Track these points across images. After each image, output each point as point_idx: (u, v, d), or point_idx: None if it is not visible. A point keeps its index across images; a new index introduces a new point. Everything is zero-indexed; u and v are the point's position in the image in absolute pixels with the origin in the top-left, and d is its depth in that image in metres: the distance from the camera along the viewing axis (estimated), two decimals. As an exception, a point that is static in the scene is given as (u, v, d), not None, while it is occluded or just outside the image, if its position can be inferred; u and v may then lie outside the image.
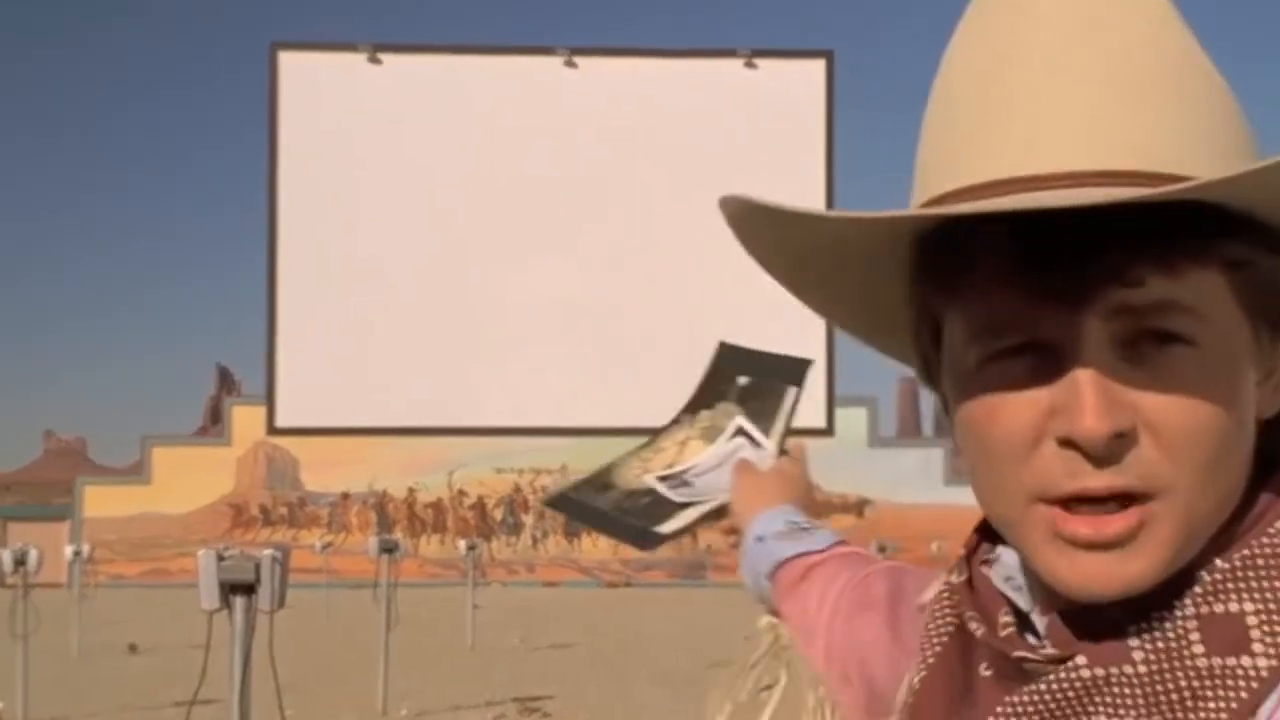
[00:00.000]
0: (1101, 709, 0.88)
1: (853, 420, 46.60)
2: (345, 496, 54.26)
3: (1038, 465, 0.88)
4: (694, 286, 4.39)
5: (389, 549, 16.64)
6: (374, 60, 4.48)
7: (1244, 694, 0.85)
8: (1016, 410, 0.88)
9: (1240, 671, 0.86)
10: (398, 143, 4.61)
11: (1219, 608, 0.88)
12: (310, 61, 4.70)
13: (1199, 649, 0.87)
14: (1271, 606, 0.87)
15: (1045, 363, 0.88)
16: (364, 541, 20.81)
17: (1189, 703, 0.86)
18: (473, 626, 23.24)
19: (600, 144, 4.46)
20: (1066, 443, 0.86)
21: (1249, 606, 0.87)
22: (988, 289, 0.89)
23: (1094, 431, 0.84)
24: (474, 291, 5.18)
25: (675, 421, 2.19)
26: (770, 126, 5.40)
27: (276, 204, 4.53)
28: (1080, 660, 0.89)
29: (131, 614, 32.76)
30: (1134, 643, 0.89)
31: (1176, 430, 0.85)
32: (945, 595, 1.06)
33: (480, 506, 55.36)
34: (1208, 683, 0.86)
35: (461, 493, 55.32)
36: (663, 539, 1.99)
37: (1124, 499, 0.86)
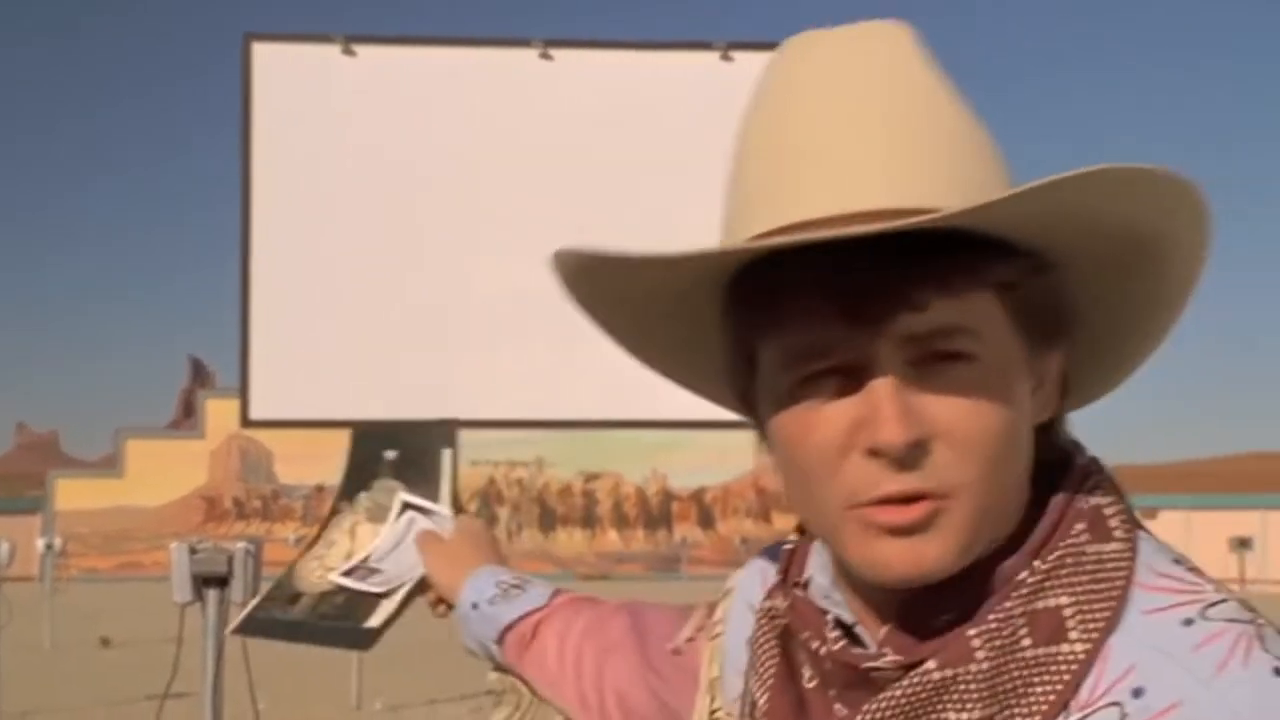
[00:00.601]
0: (950, 706, 0.99)
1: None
2: (319, 489, 54.13)
3: (847, 474, 0.99)
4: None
5: (363, 542, 16.60)
6: (348, 52, 4.46)
7: (1066, 676, 0.98)
8: (826, 426, 1.00)
9: (1061, 657, 0.98)
10: (372, 135, 4.60)
11: (1040, 604, 1.00)
12: (284, 53, 4.68)
13: (1027, 642, 0.99)
14: (1082, 598, 1.00)
15: (849, 384, 0.99)
16: (338, 535, 20.78)
17: (1021, 689, 0.98)
18: (448, 620, 23.19)
19: (575, 136, 4.45)
20: (871, 452, 0.98)
21: (1065, 600, 1.00)
22: (795, 320, 1.00)
23: (893, 439, 0.96)
24: (449, 283, 5.17)
25: (335, 512, 2.14)
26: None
27: (250, 196, 4.51)
28: (930, 664, 0.99)
29: (104, 607, 32.63)
30: (976, 643, 0.99)
31: (963, 436, 0.98)
32: (765, 620, 1.17)
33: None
34: (1036, 670, 0.98)
35: (436, 486, 55.28)
36: (377, 634, 1.93)
37: (923, 498, 0.98)
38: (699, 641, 1.40)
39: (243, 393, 4.83)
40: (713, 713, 1.33)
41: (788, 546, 1.22)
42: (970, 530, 0.99)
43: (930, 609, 1.03)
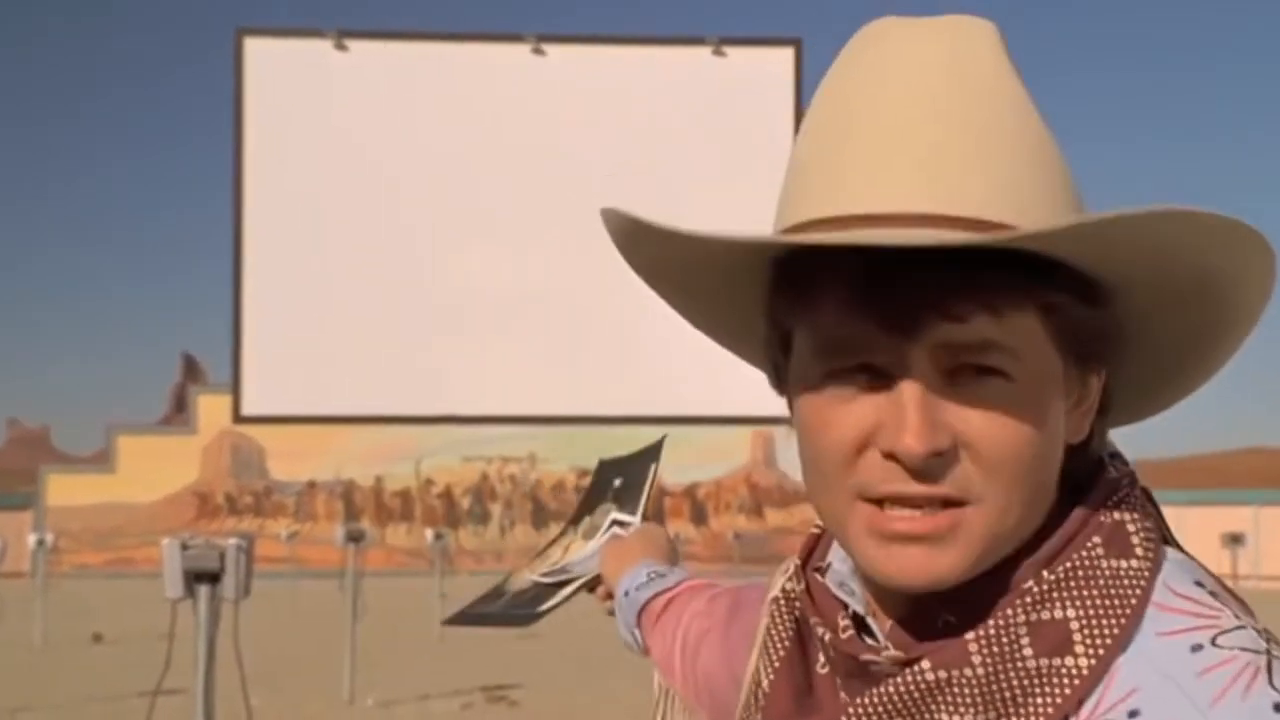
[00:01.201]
0: (943, 707, 0.98)
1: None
2: (311, 485, 54.07)
3: (861, 470, 0.99)
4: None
5: (355, 538, 16.58)
6: (340, 47, 4.45)
7: (1068, 690, 0.97)
8: (848, 422, 0.99)
9: (1064, 670, 0.97)
10: (365, 130, 4.59)
11: (1045, 615, 0.99)
12: (276, 48, 4.66)
13: (1029, 651, 0.98)
14: (1090, 613, 0.99)
15: (877, 383, 0.98)
16: (330, 531, 20.75)
17: (1020, 699, 0.97)
18: (440, 616, 23.18)
19: (568, 131, 4.44)
20: (889, 456, 0.97)
21: (1071, 613, 0.99)
22: (831, 313, 0.99)
23: (913, 449, 0.95)
24: (441, 280, 5.15)
25: (561, 533, 2.38)
26: (739, 114, 5.38)
27: (242, 191, 4.49)
28: (925, 664, 0.99)
29: (96, 604, 32.58)
30: (973, 648, 0.98)
31: (990, 450, 0.97)
32: (783, 601, 1.17)
33: (448, 495, 55.28)
34: (1036, 681, 0.97)
35: (429, 481, 55.21)
36: (539, 615, 2.15)
37: (940, 503, 0.97)
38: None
39: (235, 389, 4.82)
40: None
41: (814, 529, 1.21)
42: (985, 543, 0.99)
43: (936, 608, 1.03)
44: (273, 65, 4.77)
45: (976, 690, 0.98)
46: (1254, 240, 0.97)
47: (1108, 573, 1.01)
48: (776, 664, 1.15)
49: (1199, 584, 1.04)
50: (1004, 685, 0.98)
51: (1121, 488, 1.07)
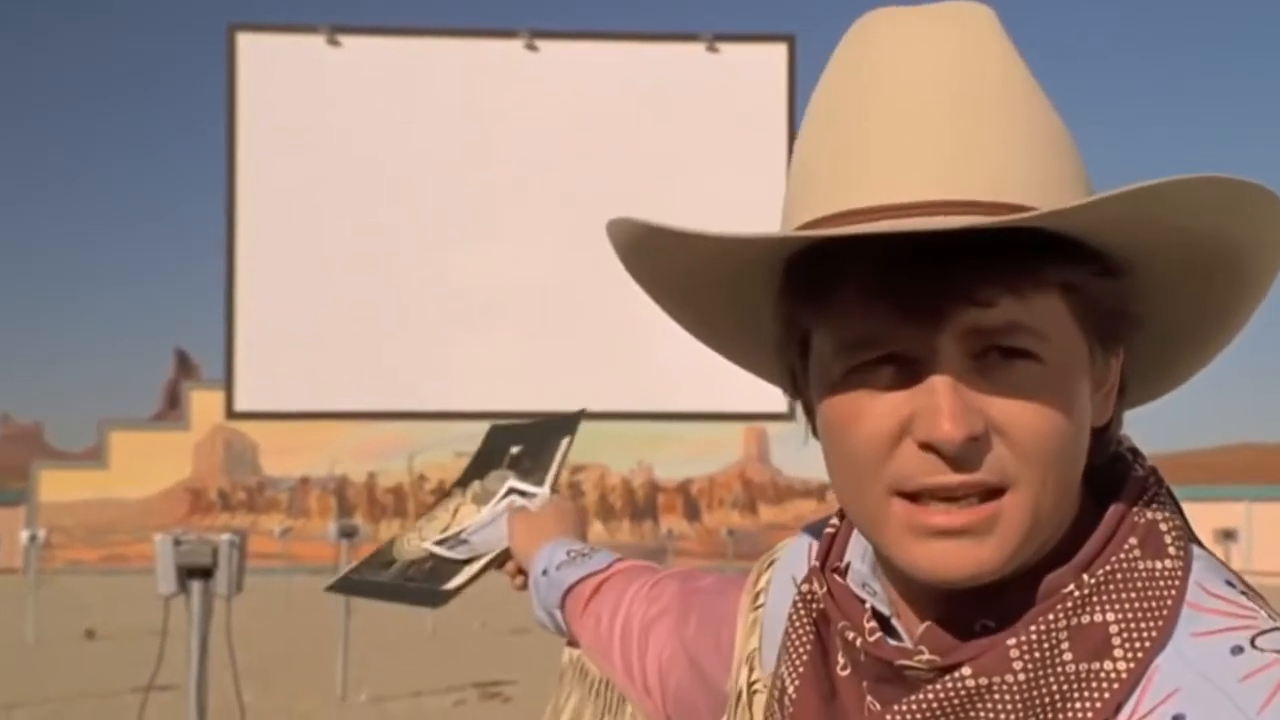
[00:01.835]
0: (983, 714, 0.97)
1: (813, 405, 46.78)
2: (305, 481, 54.03)
3: (897, 463, 0.98)
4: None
5: (349, 534, 16.56)
6: (333, 42, 4.44)
7: (1106, 694, 0.96)
8: (879, 416, 0.98)
9: (1103, 674, 0.97)
10: (357, 126, 4.59)
11: (1086, 619, 0.98)
12: (269, 43, 4.65)
13: (1068, 656, 0.97)
14: (1128, 616, 0.98)
15: (905, 374, 0.98)
16: (324, 527, 20.75)
17: (1059, 704, 0.97)
18: (433, 612, 23.10)
19: (560, 127, 4.44)
20: (926, 446, 0.96)
21: (1110, 616, 0.98)
22: (854, 307, 0.98)
23: (951, 435, 0.94)
24: (435, 276, 5.14)
25: (446, 494, 2.28)
26: (732, 110, 5.36)
27: (234, 187, 4.49)
28: (966, 671, 0.98)
29: (88, 599, 32.55)
30: (1014, 654, 0.97)
31: (1022, 433, 0.96)
32: (800, 603, 1.15)
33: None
34: (1076, 686, 0.97)
35: (422, 477, 55.17)
36: (450, 595, 2.03)
37: (978, 497, 0.97)
38: (739, 611, 1.37)
39: (228, 385, 4.81)
40: (751, 685, 1.28)
41: (829, 529, 1.20)
42: (1024, 533, 0.98)
43: (971, 611, 1.01)
44: (265, 61, 4.77)
45: (1018, 696, 0.97)
46: (1270, 202, 0.96)
47: (1144, 574, 1.01)
48: (801, 668, 1.13)
49: (1230, 584, 1.03)
50: (1044, 691, 0.97)
51: (1150, 486, 1.07)
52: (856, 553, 1.14)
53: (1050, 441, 0.97)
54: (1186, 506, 1.13)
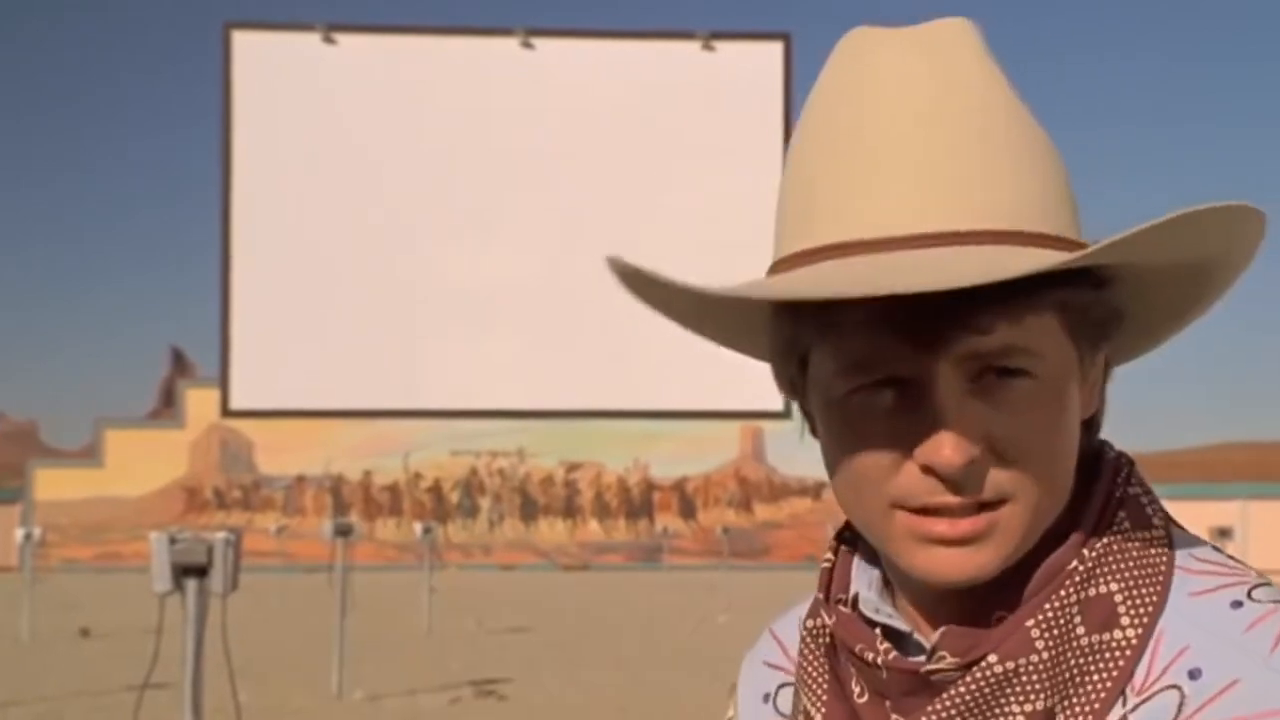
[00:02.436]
0: (1013, 699, 1.00)
1: (809, 403, 46.79)
2: (300, 480, 54.04)
3: (898, 483, 1.00)
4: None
5: (344, 532, 16.57)
6: (328, 40, 4.44)
7: (1121, 662, 1.00)
8: (881, 439, 1.01)
9: (1115, 643, 1.01)
10: (352, 124, 4.58)
11: (1092, 591, 1.02)
12: (264, 41, 4.64)
13: (1081, 630, 1.01)
14: (1130, 585, 1.03)
15: (906, 397, 1.00)
16: (319, 525, 20.73)
17: (1078, 678, 1.00)
18: (429, 610, 23.20)
19: (556, 125, 4.44)
20: (927, 470, 0.99)
21: (1115, 586, 1.02)
22: (856, 332, 0.99)
23: (951, 462, 0.97)
24: (430, 273, 5.14)
25: None
26: (728, 108, 5.37)
27: (230, 185, 4.48)
28: (992, 658, 1.00)
29: (84, 598, 32.54)
30: (1035, 633, 1.00)
31: (1021, 450, 0.99)
32: (809, 639, 1.18)
33: (436, 489, 55.27)
34: (1091, 658, 1.00)
35: (418, 475, 55.20)
36: None
37: (976, 506, 1.00)
38: None
39: (223, 383, 4.81)
40: None
41: (825, 564, 1.21)
42: (1021, 536, 1.01)
43: (985, 606, 1.04)
44: (261, 59, 4.76)
45: (1045, 674, 1.00)
46: (1259, 221, 1.01)
47: (1137, 545, 1.05)
48: (824, 695, 1.15)
49: (1214, 549, 1.09)
50: (1064, 667, 1.01)
51: (1124, 465, 1.12)
52: (863, 583, 1.15)
53: (1045, 454, 1.01)
54: (1183, 505, 1.16)
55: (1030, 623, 1.01)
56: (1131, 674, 1.00)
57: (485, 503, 55.66)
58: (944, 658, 1.03)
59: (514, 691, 15.54)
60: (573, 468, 55.52)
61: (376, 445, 53.34)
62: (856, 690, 1.11)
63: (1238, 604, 1.01)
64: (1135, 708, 0.99)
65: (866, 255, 1.00)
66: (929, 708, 1.02)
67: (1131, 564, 1.04)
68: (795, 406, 1.15)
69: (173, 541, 6.16)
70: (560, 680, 16.54)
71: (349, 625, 15.44)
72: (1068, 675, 1.00)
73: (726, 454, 55.56)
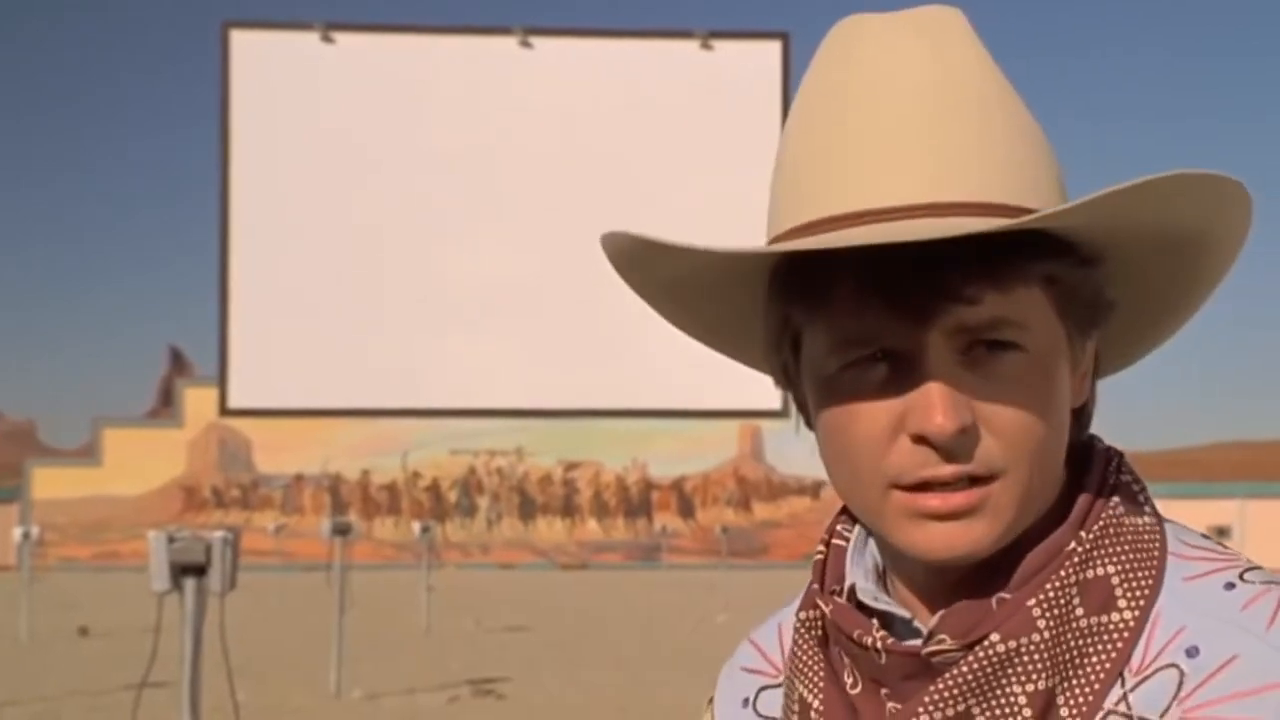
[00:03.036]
0: (1014, 679, 1.01)
1: (807, 403, 46.79)
2: (298, 479, 54.03)
3: (893, 458, 1.01)
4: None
5: (342, 531, 16.57)
6: (327, 39, 4.44)
7: (1119, 643, 1.02)
8: (874, 412, 1.02)
9: (1113, 625, 1.02)
10: (351, 122, 4.58)
11: (1090, 573, 1.03)
12: (262, 40, 4.65)
13: (1080, 611, 1.02)
14: (1126, 568, 1.04)
15: (897, 370, 1.01)
16: (317, 524, 20.73)
17: (1077, 660, 1.02)
18: (427, 609, 23.20)
19: (555, 124, 4.44)
20: (919, 439, 1.00)
21: (1111, 569, 1.04)
22: (847, 307, 1.01)
23: (944, 429, 0.98)
24: (429, 273, 5.14)
25: None
26: (726, 107, 5.37)
27: (228, 184, 4.48)
28: (995, 638, 1.01)
29: (82, 597, 32.53)
30: (1036, 612, 1.01)
31: (1009, 423, 1.01)
32: (802, 630, 1.18)
33: (435, 488, 55.27)
34: (1089, 640, 1.02)
35: (416, 474, 55.19)
36: None
37: (969, 480, 1.01)
38: None
39: (221, 382, 4.81)
40: None
41: (818, 555, 1.22)
42: (1014, 512, 1.02)
43: (980, 590, 1.05)
44: (259, 58, 4.76)
45: (1045, 654, 1.01)
46: (1238, 192, 1.02)
47: (1131, 529, 1.07)
48: (820, 682, 1.15)
49: (1204, 535, 1.11)
50: (1064, 648, 1.02)
51: (1114, 456, 1.14)
52: (858, 573, 1.16)
53: (1035, 428, 1.02)
54: (1181, 504, 1.17)
55: (1031, 602, 1.02)
56: (1129, 656, 1.01)
57: (483, 502, 55.66)
58: (943, 640, 1.03)
59: (512, 691, 15.54)
60: (571, 467, 55.51)
61: (375, 444, 53.34)
62: (849, 681, 1.11)
63: (1231, 585, 1.03)
64: (1134, 688, 1.01)
65: (860, 226, 1.01)
66: (930, 688, 1.03)
67: (1126, 548, 1.05)
68: (793, 404, 1.16)
69: (171, 540, 6.16)
70: (559, 679, 16.54)
71: (347, 624, 15.44)
72: (1067, 656, 1.01)
73: (725, 453, 55.56)
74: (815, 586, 1.18)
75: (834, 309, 1.02)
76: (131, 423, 58.27)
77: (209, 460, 53.84)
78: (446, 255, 5.07)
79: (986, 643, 1.01)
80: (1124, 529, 1.07)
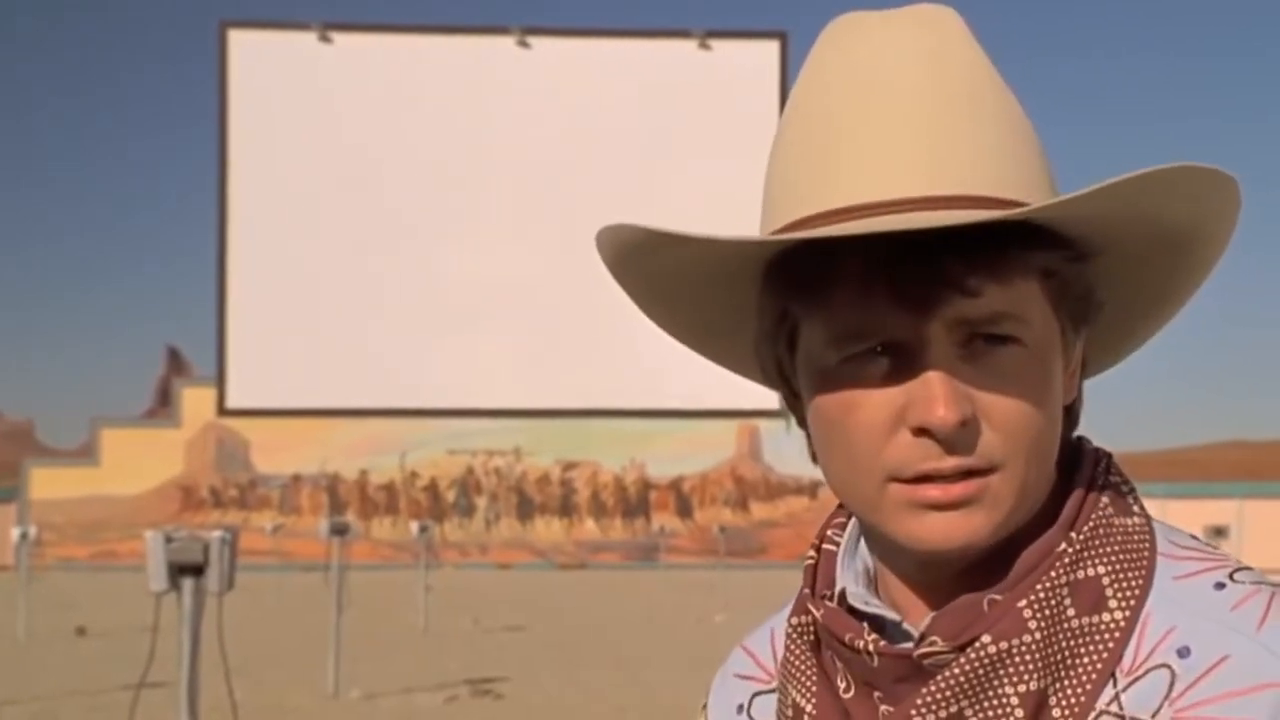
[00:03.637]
0: (1006, 680, 1.02)
1: (805, 402, 46.78)
2: (296, 478, 53.98)
3: (893, 451, 1.02)
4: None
5: (340, 531, 16.56)
6: (324, 39, 4.44)
7: (1110, 644, 1.03)
8: (875, 404, 1.03)
9: (1103, 626, 1.03)
10: (349, 123, 4.58)
11: (1081, 574, 1.04)
12: (260, 40, 4.65)
13: (1071, 612, 1.03)
14: (1116, 568, 1.05)
15: (898, 363, 1.02)
16: (315, 524, 20.72)
17: (1069, 660, 1.02)
18: (425, 609, 23.19)
19: (553, 125, 4.44)
20: (920, 431, 1.00)
21: (1101, 569, 1.05)
22: (849, 299, 1.02)
23: (946, 420, 0.99)
24: (427, 272, 5.14)
25: None
26: (725, 107, 5.38)
27: (226, 184, 4.48)
28: (986, 639, 1.02)
29: (79, 597, 32.52)
30: (1028, 613, 1.02)
31: (1008, 416, 1.01)
32: (794, 635, 1.19)
33: (433, 488, 55.23)
34: (1081, 640, 1.03)
35: (414, 474, 55.15)
36: None
37: (967, 472, 1.01)
38: None
39: (219, 382, 4.80)
40: None
41: (809, 560, 1.23)
42: (1010, 505, 1.03)
43: (971, 590, 1.06)
44: (257, 57, 4.76)
45: (1037, 655, 1.02)
46: (1228, 185, 1.04)
47: (1120, 530, 1.08)
48: (813, 686, 1.16)
49: (1193, 536, 1.12)
50: (1056, 648, 1.02)
51: (1102, 457, 1.14)
52: (849, 578, 1.16)
53: (1033, 422, 1.02)
54: (1179, 504, 1.18)
55: (1023, 603, 1.02)
56: (1121, 656, 1.02)
57: (482, 502, 55.63)
58: (935, 642, 1.04)
59: (511, 690, 15.54)
60: (569, 467, 55.48)
61: (373, 444, 53.30)
62: (842, 685, 1.12)
63: (1221, 585, 1.04)
64: (1126, 688, 1.01)
65: (859, 219, 1.02)
66: (922, 690, 1.03)
67: (1116, 548, 1.06)
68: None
69: (169, 540, 6.16)
70: (557, 679, 16.54)
71: (345, 624, 15.44)
72: (1059, 657, 1.02)
73: (723, 453, 55.52)
74: (806, 591, 1.19)
75: (835, 301, 1.02)
76: (129, 422, 58.23)
77: (207, 460, 53.80)
78: (444, 255, 5.07)
79: (978, 644, 1.02)
80: (1114, 529, 1.07)
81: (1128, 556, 1.06)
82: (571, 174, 4.82)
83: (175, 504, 52.39)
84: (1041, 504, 1.07)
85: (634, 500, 56.28)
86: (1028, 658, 1.01)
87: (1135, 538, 1.08)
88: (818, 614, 1.14)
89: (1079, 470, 1.11)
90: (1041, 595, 1.03)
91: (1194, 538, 1.11)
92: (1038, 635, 1.02)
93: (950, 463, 1.00)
